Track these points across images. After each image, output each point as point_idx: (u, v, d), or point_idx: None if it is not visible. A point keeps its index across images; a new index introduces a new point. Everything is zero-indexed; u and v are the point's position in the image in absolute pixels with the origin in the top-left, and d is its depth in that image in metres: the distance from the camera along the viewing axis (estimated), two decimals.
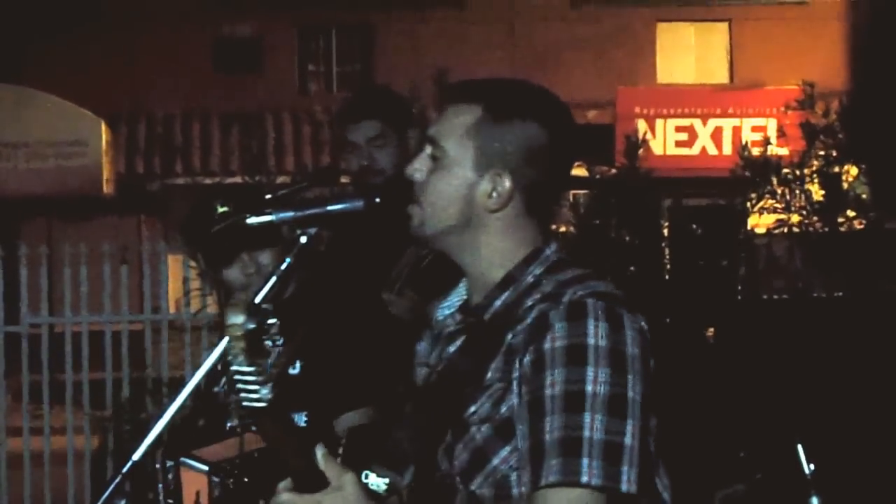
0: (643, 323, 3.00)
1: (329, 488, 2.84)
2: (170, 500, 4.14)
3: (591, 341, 2.89)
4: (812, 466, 4.73)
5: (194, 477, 4.03)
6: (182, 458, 4.09)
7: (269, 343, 2.93)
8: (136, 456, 3.19)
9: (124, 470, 3.23)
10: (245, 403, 2.86)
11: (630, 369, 2.91)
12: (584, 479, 2.81)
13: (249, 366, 2.84)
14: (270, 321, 2.94)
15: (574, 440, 2.83)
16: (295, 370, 4.45)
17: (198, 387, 3.89)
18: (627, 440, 2.87)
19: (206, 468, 3.96)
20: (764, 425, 5.59)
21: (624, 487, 2.84)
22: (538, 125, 3.10)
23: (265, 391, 2.83)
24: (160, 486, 4.13)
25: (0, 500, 9.38)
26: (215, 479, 3.91)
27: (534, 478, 2.86)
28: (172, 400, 3.35)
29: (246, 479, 3.78)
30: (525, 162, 3.08)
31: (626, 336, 2.93)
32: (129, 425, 8.78)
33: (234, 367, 2.86)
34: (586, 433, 2.84)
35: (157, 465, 4.15)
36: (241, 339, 2.85)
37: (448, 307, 3.26)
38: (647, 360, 2.96)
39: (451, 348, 3.15)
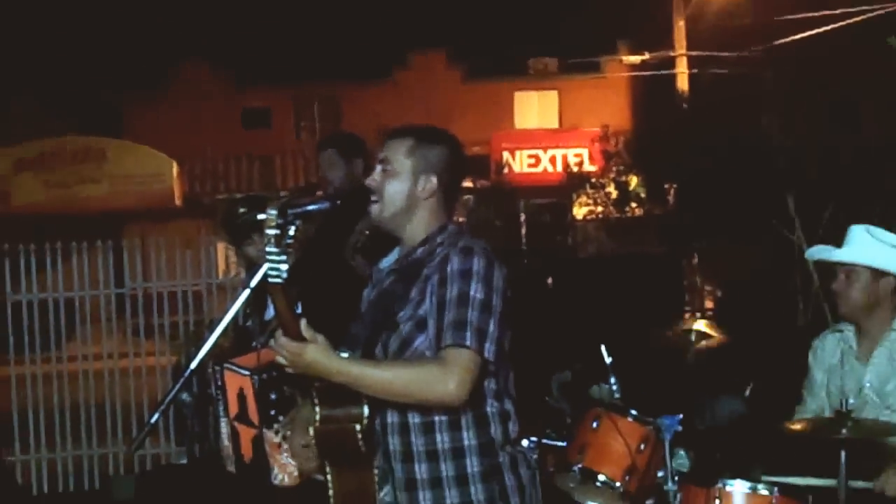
0: (504, 267, 3.11)
1: (309, 340, 2.90)
2: (218, 392, 4.13)
3: (475, 268, 3.01)
4: (610, 359, 4.75)
5: (234, 377, 4.01)
6: (225, 364, 4.07)
7: (288, 239, 2.86)
8: (192, 365, 3.16)
9: (185, 374, 3.19)
10: (270, 278, 2.83)
11: (494, 288, 3.02)
12: (467, 343, 2.92)
13: (277, 247, 2.82)
14: (292, 223, 2.88)
15: (462, 322, 2.95)
16: (298, 310, 4.42)
17: (235, 322, 3.82)
18: (491, 328, 2.98)
19: (247, 372, 3.94)
20: (582, 335, 5.56)
21: (486, 353, 2.95)
22: (447, 147, 3.24)
23: (284, 267, 2.82)
24: (215, 384, 4.11)
25: (115, 397, 9.27)
26: (255, 377, 3.90)
27: (438, 343, 2.96)
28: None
29: (275, 374, 3.74)
30: (441, 170, 3.19)
31: (494, 269, 3.05)
32: (195, 349, 8.72)
33: (266, 249, 2.83)
34: (469, 319, 2.95)
35: (211, 371, 4.12)
36: (274, 228, 2.83)
37: (388, 262, 3.29)
38: (505, 289, 3.07)
39: (388, 282, 3.20)
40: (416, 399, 2.98)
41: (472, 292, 2.97)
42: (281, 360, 2.95)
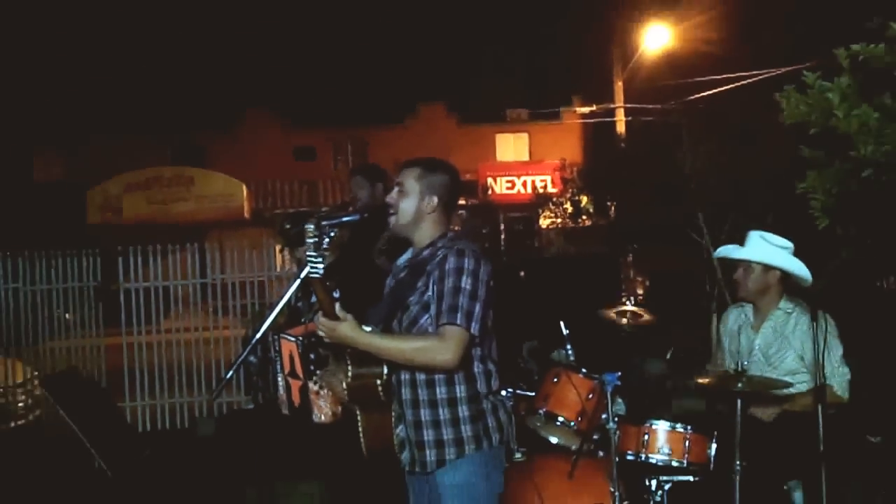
0: (489, 264, 3.08)
1: (341, 319, 2.94)
2: (276, 354, 4.12)
3: (466, 266, 3.00)
4: (566, 331, 4.73)
5: (287, 343, 4.00)
6: (281, 334, 4.06)
7: (325, 244, 2.89)
8: (257, 336, 3.16)
9: (252, 342, 3.19)
10: (311, 274, 2.87)
11: (481, 282, 3.01)
12: (458, 321, 2.93)
13: (315, 251, 2.85)
14: (326, 234, 2.90)
15: (455, 306, 2.95)
16: (337, 295, 4.39)
17: (288, 303, 3.79)
18: (476, 311, 2.97)
19: (294, 338, 3.93)
20: (545, 314, 5.54)
21: (472, 330, 2.95)
22: (446, 174, 3.20)
23: (320, 266, 2.85)
24: (273, 348, 4.09)
25: (200, 360, 9.27)
26: (300, 341, 3.89)
27: (437, 321, 2.96)
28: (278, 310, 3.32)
29: (314, 340, 3.74)
30: (442, 191, 3.16)
31: (481, 266, 3.03)
32: (259, 324, 8.66)
33: (307, 253, 2.87)
34: (460, 304, 2.95)
35: (270, 339, 4.11)
36: (312, 237, 2.86)
37: (403, 260, 3.27)
38: (489, 280, 3.04)
39: (402, 274, 3.18)
40: (421, 363, 3.00)
41: (463, 284, 2.97)
42: (321, 332, 2.99)
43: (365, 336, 2.94)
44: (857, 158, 3.86)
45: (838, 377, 4.21)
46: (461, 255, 3.02)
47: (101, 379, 9.08)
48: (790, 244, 4.41)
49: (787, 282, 4.44)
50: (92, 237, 14.01)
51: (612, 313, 5.00)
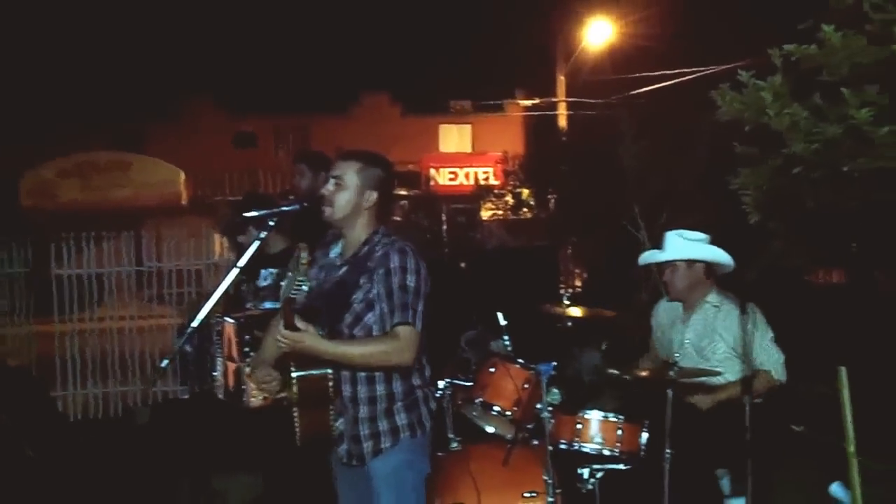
0: (423, 259, 3.11)
1: (303, 330, 2.91)
2: (218, 338, 4.09)
3: (409, 265, 3.03)
4: (505, 322, 4.76)
5: (227, 326, 3.97)
6: (224, 317, 4.01)
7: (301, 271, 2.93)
8: (194, 324, 3.12)
9: (188, 331, 3.16)
10: (293, 295, 2.90)
11: (422, 278, 3.05)
12: (409, 320, 2.98)
13: (303, 276, 2.91)
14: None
15: (405, 305, 2.99)
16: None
17: (228, 290, 3.71)
18: (419, 308, 3.01)
19: (234, 320, 3.90)
20: (483, 304, 5.57)
21: (416, 326, 2.99)
22: (383, 169, 3.20)
23: (305, 288, 2.91)
24: (216, 331, 4.03)
25: (134, 348, 9.12)
26: (236, 322, 3.85)
27: (391, 321, 3.00)
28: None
29: (250, 320, 3.76)
30: (380, 186, 3.16)
31: (420, 264, 3.07)
32: (195, 313, 8.50)
33: (297, 277, 2.91)
34: (408, 303, 3.00)
35: (214, 322, 4.07)
36: (306, 266, 2.93)
37: (335, 254, 3.25)
38: (427, 277, 3.08)
39: (339, 272, 3.17)
40: (385, 367, 3.05)
41: (408, 283, 3.01)
42: (282, 345, 2.97)
43: (327, 345, 2.95)
44: (788, 156, 3.95)
45: (773, 362, 4.37)
46: (404, 254, 3.05)
47: (32, 368, 8.87)
48: (706, 235, 4.54)
49: (717, 275, 4.56)
50: (24, 223, 13.67)
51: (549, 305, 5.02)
